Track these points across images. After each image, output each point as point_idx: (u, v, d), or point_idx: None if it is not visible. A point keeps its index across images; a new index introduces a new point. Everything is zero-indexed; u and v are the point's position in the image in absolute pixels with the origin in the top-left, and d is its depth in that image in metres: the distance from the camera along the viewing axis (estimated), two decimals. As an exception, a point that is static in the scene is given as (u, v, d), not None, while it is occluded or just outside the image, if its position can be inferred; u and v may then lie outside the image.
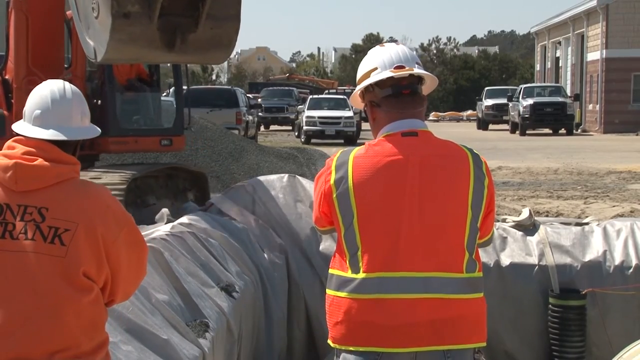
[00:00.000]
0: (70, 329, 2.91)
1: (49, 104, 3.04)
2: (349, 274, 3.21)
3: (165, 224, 6.65)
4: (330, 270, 3.30)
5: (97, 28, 5.56)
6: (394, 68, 3.28)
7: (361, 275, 3.18)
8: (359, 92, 3.39)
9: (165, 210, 7.88)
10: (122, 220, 3.04)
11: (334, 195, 3.23)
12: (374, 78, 3.30)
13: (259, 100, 40.74)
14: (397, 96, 3.29)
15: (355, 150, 3.28)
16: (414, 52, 3.42)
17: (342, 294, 3.22)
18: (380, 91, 3.30)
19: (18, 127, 3.05)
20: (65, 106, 3.05)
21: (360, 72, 3.39)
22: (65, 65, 9.90)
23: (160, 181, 9.86)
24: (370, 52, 3.42)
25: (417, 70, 3.29)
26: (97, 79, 10.38)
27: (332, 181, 3.24)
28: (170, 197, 9.68)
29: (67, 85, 3.14)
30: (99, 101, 10.20)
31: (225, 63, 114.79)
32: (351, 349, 3.21)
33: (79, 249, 2.90)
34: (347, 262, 3.22)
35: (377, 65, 3.31)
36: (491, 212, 3.32)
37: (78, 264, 2.90)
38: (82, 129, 3.08)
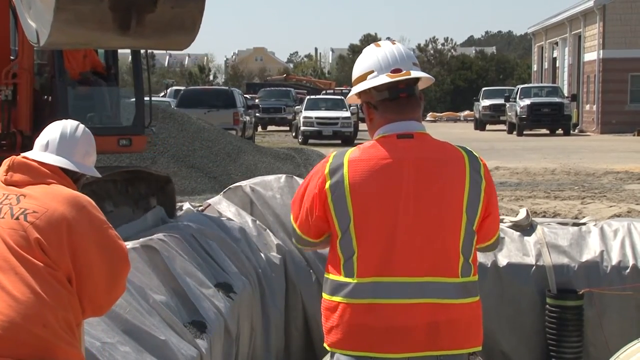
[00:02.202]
0: (32, 297, 2.97)
1: (57, 137, 3.33)
2: (342, 278, 3.19)
3: (162, 224, 6.65)
4: (326, 275, 3.29)
5: (39, 7, 5.01)
6: (391, 71, 3.24)
7: (355, 279, 3.16)
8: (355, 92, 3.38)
9: (159, 209, 7.84)
10: (97, 223, 3.17)
11: (330, 200, 3.19)
12: (371, 83, 3.25)
13: (257, 100, 40.68)
14: (394, 99, 3.26)
15: (349, 153, 3.24)
16: (410, 51, 3.39)
17: (337, 299, 3.20)
18: (377, 94, 3.26)
19: (26, 154, 3.32)
20: (71, 142, 3.34)
21: (355, 73, 3.34)
22: (12, 57, 9.00)
23: (119, 186, 8.88)
24: (365, 51, 3.37)
25: (414, 74, 3.25)
26: (47, 73, 9.28)
27: (327, 185, 3.19)
28: (130, 204, 8.74)
29: (82, 126, 3.44)
30: (49, 97, 9.12)
31: (223, 64, 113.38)
32: (346, 353, 3.20)
33: (39, 228, 3.06)
34: (341, 266, 3.20)
35: (373, 68, 3.26)
36: (490, 215, 3.27)
37: (35, 236, 3.06)
38: (81, 164, 3.36)
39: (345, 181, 3.18)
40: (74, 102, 9.27)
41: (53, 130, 3.36)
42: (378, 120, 3.28)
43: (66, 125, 3.39)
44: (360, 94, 3.34)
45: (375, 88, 3.26)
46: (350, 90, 3.45)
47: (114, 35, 5.12)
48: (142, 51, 9.89)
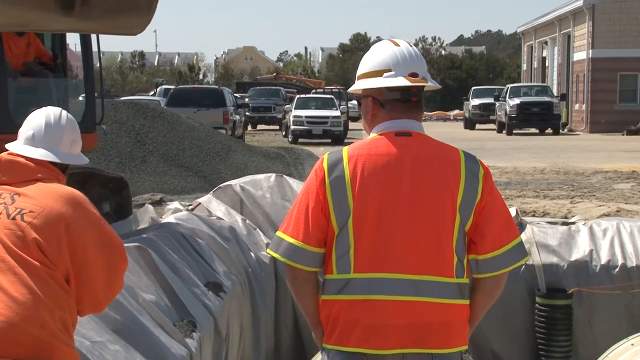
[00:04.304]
0: (31, 298, 2.95)
1: (42, 127, 3.28)
2: (335, 275, 3.20)
3: (152, 222, 6.64)
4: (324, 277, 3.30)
5: None
6: (409, 74, 3.23)
7: (351, 275, 3.17)
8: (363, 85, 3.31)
9: (150, 207, 7.82)
10: (94, 220, 3.15)
11: (329, 194, 3.18)
12: (388, 82, 3.24)
13: (246, 99, 40.69)
14: (404, 102, 3.27)
15: (347, 148, 3.24)
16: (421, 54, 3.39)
17: (331, 297, 3.21)
18: (388, 93, 3.26)
19: (11, 146, 3.29)
20: (57, 131, 3.29)
21: (369, 66, 3.30)
22: None
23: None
24: (382, 46, 3.35)
25: (430, 83, 3.28)
26: None
27: (327, 180, 3.19)
28: None
29: (64, 112, 3.38)
30: None
31: (212, 63, 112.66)
32: (338, 349, 3.21)
33: (37, 228, 3.04)
34: (334, 263, 3.20)
35: (391, 67, 3.25)
36: (489, 222, 3.22)
37: (33, 236, 3.03)
38: (69, 155, 3.32)
39: (346, 175, 3.18)
40: (15, 95, 8.51)
41: (37, 120, 3.31)
42: (381, 117, 3.28)
43: (49, 114, 3.34)
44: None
45: (388, 87, 3.26)
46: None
47: (56, 15, 4.56)
48: (94, 36, 8.89)
